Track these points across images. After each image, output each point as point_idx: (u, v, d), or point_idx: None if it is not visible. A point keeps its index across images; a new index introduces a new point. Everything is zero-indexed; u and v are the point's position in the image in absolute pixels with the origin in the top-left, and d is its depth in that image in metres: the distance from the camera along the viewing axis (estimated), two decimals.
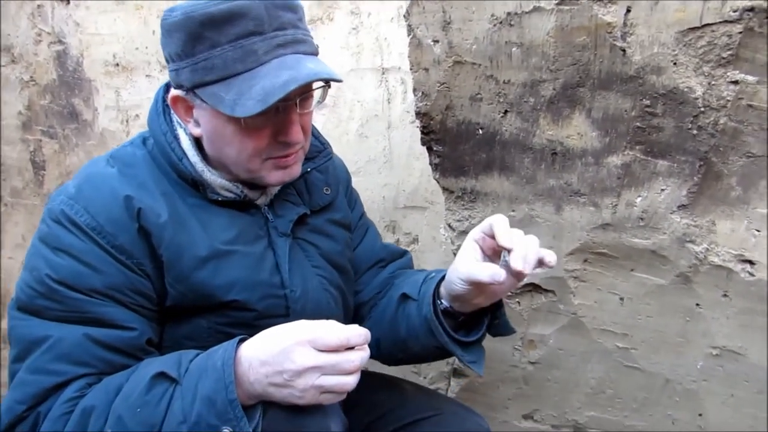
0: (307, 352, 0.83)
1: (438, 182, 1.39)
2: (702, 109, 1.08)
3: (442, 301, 1.08)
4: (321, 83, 1.00)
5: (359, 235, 1.28)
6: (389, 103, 1.70)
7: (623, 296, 1.30)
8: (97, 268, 0.92)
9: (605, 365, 1.37)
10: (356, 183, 1.34)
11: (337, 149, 1.32)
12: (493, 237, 0.99)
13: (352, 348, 0.85)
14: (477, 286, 0.99)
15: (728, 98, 1.06)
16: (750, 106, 1.05)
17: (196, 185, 1.02)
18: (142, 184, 0.98)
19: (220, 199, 1.02)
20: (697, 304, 1.23)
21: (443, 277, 1.09)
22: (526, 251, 0.94)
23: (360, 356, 0.86)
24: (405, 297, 1.15)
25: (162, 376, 0.86)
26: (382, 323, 1.19)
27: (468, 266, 0.99)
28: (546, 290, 1.37)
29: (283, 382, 0.83)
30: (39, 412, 0.89)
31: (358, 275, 1.26)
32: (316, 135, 1.15)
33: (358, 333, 0.86)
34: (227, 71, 0.91)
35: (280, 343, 0.85)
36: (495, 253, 1.03)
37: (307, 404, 0.85)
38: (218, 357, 0.85)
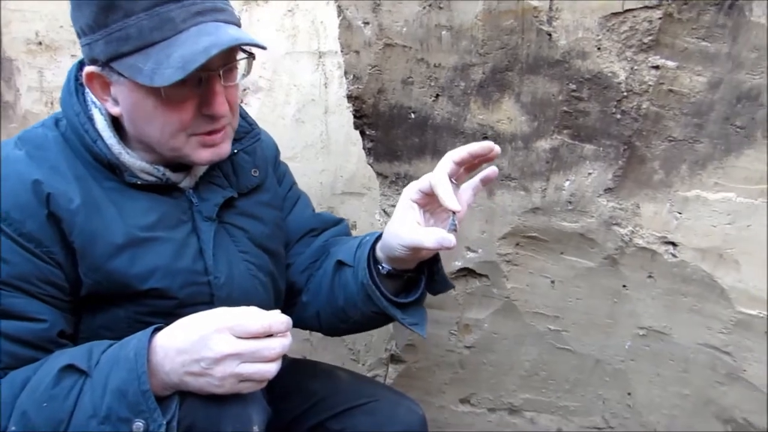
0: (226, 339, 0.81)
1: (372, 167, 1.38)
2: (625, 93, 1.10)
3: (383, 265, 1.05)
4: (244, 54, 0.96)
5: (289, 206, 1.24)
6: (326, 87, 1.67)
7: (554, 279, 1.32)
8: (3, 258, 0.87)
9: (538, 348, 1.39)
10: (293, 168, 1.31)
11: (273, 134, 1.29)
12: (430, 194, 0.97)
13: (273, 335, 0.83)
14: (418, 250, 0.97)
15: (650, 83, 1.08)
16: (671, 91, 1.08)
17: (112, 168, 0.97)
18: (54, 168, 0.93)
19: (139, 182, 0.98)
20: (624, 286, 1.26)
21: (377, 239, 1.06)
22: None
23: (281, 343, 0.84)
24: (340, 264, 1.12)
25: (70, 368, 0.82)
26: (319, 294, 1.16)
27: (412, 233, 0.96)
28: (480, 275, 1.37)
29: (200, 371, 0.81)
30: None
31: (290, 246, 1.22)
32: (243, 115, 1.12)
33: (280, 320, 0.84)
34: (144, 40, 0.86)
35: (198, 331, 0.82)
36: (435, 207, 1.01)
37: (226, 393, 0.83)
38: (131, 347, 0.82)
